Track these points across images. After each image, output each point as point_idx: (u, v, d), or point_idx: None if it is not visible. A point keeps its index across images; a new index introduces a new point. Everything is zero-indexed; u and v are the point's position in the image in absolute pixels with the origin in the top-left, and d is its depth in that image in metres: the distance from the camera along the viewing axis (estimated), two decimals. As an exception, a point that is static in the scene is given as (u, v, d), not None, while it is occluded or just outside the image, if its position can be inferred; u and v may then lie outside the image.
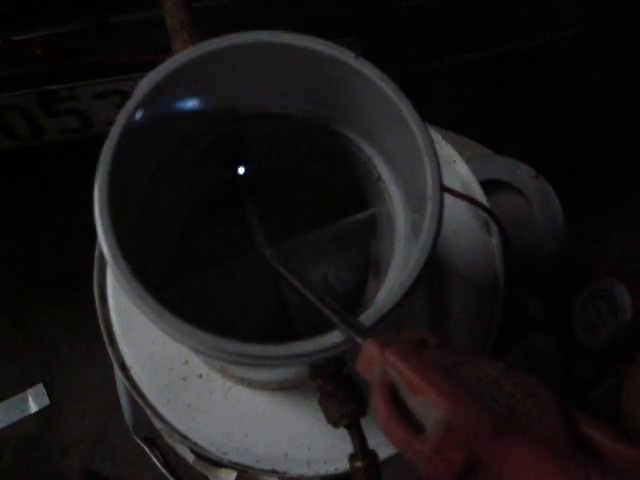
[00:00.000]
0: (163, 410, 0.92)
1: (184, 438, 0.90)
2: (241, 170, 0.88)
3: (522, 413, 0.49)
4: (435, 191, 0.63)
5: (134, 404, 1.10)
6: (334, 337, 0.59)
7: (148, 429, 1.19)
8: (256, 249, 0.81)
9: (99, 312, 0.96)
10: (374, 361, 0.53)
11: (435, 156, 0.64)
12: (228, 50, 0.67)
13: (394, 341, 0.54)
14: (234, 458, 0.90)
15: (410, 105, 0.65)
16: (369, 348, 0.54)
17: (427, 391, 0.49)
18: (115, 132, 0.63)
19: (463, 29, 1.68)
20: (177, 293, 0.75)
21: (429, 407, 0.49)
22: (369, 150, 0.81)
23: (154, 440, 1.20)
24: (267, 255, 0.79)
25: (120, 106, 0.64)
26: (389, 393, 0.51)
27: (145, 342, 0.94)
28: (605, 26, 1.94)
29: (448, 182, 0.93)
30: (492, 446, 0.46)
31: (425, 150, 0.64)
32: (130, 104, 0.64)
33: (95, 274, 0.98)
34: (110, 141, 0.62)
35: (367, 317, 0.60)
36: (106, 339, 0.95)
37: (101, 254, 0.99)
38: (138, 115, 0.65)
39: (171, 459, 1.19)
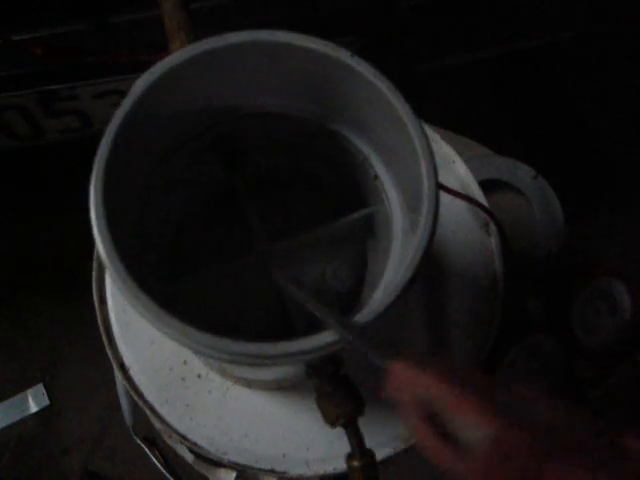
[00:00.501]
0: (162, 410, 0.92)
1: (183, 438, 0.90)
2: (240, 169, 0.87)
3: (559, 431, 0.51)
4: (431, 187, 0.63)
5: (134, 404, 1.10)
6: (328, 336, 0.59)
7: (148, 429, 1.19)
8: (255, 249, 0.81)
9: (98, 312, 0.96)
10: (406, 386, 0.55)
11: (430, 152, 0.64)
12: (224, 49, 0.67)
13: (422, 363, 0.56)
14: (233, 458, 0.90)
15: (405, 102, 0.65)
16: (401, 373, 0.56)
17: (468, 412, 0.51)
18: (111, 131, 0.63)
19: (463, 29, 1.68)
20: (174, 292, 0.75)
21: (470, 427, 0.50)
22: (366, 149, 0.80)
23: (154, 440, 1.20)
24: (266, 258, 0.79)
25: (120, 106, 0.64)
26: (426, 414, 0.53)
27: (144, 342, 0.94)
28: (605, 26, 1.94)
29: (447, 182, 0.93)
30: (536, 465, 0.48)
31: (420, 146, 0.64)
32: (126, 103, 0.64)
33: (94, 274, 0.98)
34: (105, 140, 0.62)
35: (363, 315, 0.60)
36: (105, 339, 0.95)
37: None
38: (134, 114, 0.65)
39: (171, 459, 1.19)
